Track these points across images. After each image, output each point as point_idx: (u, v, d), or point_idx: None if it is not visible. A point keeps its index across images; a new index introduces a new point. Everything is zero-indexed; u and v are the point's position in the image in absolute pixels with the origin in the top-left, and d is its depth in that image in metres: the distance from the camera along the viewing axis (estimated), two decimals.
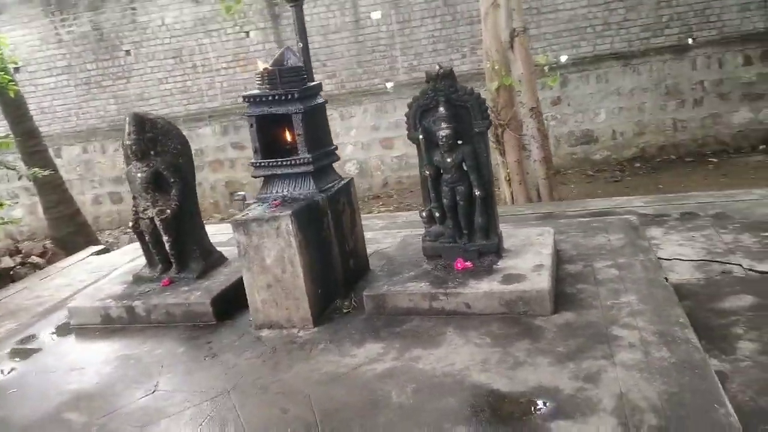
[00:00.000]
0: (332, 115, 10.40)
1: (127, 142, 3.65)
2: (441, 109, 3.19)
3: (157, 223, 3.76)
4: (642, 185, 9.11)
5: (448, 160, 3.24)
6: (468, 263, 3.29)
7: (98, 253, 6.06)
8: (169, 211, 3.74)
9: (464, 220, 3.33)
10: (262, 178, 3.54)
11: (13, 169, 7.03)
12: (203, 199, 11.21)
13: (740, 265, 3.45)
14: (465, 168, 3.25)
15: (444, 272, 3.30)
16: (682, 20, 10.04)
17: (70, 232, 8.35)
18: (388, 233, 4.57)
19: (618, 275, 3.24)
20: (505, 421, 2.26)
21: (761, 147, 10.06)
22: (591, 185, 9.78)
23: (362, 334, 3.08)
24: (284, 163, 3.40)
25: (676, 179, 9.26)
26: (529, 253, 3.35)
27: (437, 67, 3.17)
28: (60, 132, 11.11)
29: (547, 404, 2.31)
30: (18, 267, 7.33)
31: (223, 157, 11.20)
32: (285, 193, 3.42)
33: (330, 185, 3.50)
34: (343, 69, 10.76)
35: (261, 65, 3.36)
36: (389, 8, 10.51)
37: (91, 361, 3.28)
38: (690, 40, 10.05)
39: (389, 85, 10.81)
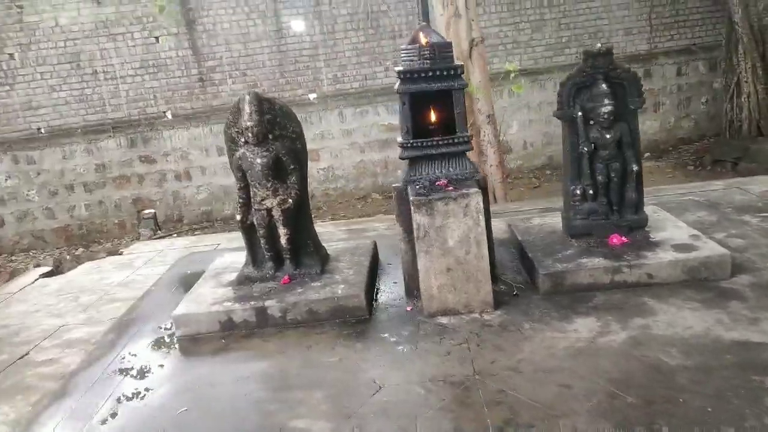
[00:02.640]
0: None
1: (249, 124, 3.22)
2: (603, 85, 3.26)
3: (276, 214, 3.35)
4: (560, 190, 9.88)
5: (608, 136, 3.31)
6: (624, 238, 3.37)
7: (47, 275, 5.25)
8: (291, 200, 3.35)
9: (616, 196, 3.41)
10: (407, 161, 3.32)
11: None
12: (106, 219, 10.07)
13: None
14: (619, 145, 3.34)
15: (603, 248, 3.35)
16: (579, 41, 11.13)
17: None
18: None
19: (743, 243, 3.53)
20: None
21: (646, 154, 11.40)
22: (514, 191, 10.39)
23: (559, 312, 3.01)
24: (442, 142, 3.23)
25: None
26: (668, 227, 3.52)
27: (597, 44, 3.24)
28: None
29: None
30: None
31: (129, 172, 10.12)
32: (439, 173, 3.25)
33: (474, 164, 3.39)
34: (265, 79, 10.35)
35: (423, 39, 3.18)
36: (312, 19, 10.36)
37: (251, 370, 2.81)
38: None
39: (312, 96, 10.62)
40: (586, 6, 10.88)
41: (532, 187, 10.61)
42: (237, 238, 5.23)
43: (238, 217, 3.41)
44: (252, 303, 3.20)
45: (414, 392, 2.49)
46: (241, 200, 3.40)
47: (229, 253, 4.06)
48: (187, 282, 3.99)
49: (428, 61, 3.15)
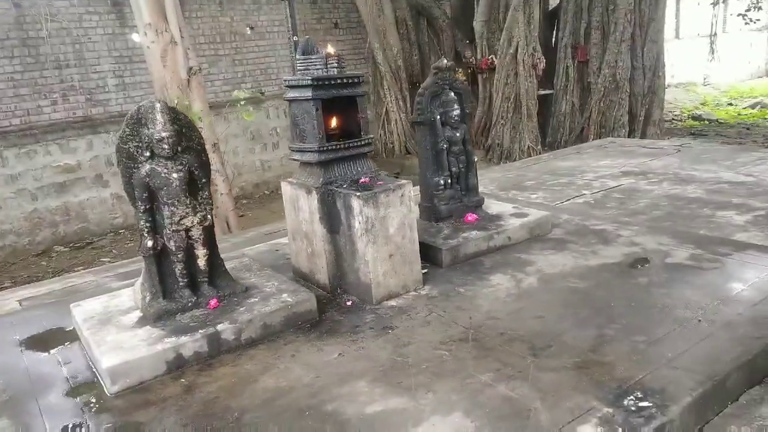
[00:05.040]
0: None
1: (164, 134, 2.88)
2: (452, 93, 4.00)
3: (196, 233, 3.06)
4: (265, 216, 10.38)
5: (458, 134, 4.06)
6: (475, 215, 4.16)
7: None
8: (209, 216, 3.10)
9: (462, 182, 4.18)
10: (318, 165, 3.44)
11: None
12: None
13: None
14: (463, 141, 4.13)
15: (465, 225, 4.07)
16: (253, 76, 11.94)
17: None
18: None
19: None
20: (643, 268, 3.50)
21: None
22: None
23: (472, 275, 3.59)
24: (352, 145, 3.47)
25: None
26: (491, 205, 4.46)
27: (444, 60, 3.99)
28: None
29: (648, 258, 3.67)
30: None
31: None
32: (351, 174, 3.48)
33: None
34: None
35: (330, 48, 3.35)
36: None
37: (261, 391, 2.59)
38: (260, 94, 12.01)
39: None
40: (255, 44, 11.70)
41: (241, 215, 10.79)
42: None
43: (150, 244, 2.97)
44: (201, 331, 2.86)
45: (439, 354, 2.74)
46: (147, 224, 2.98)
47: (85, 301, 3.38)
48: (34, 345, 3.20)
49: (336, 70, 3.37)
